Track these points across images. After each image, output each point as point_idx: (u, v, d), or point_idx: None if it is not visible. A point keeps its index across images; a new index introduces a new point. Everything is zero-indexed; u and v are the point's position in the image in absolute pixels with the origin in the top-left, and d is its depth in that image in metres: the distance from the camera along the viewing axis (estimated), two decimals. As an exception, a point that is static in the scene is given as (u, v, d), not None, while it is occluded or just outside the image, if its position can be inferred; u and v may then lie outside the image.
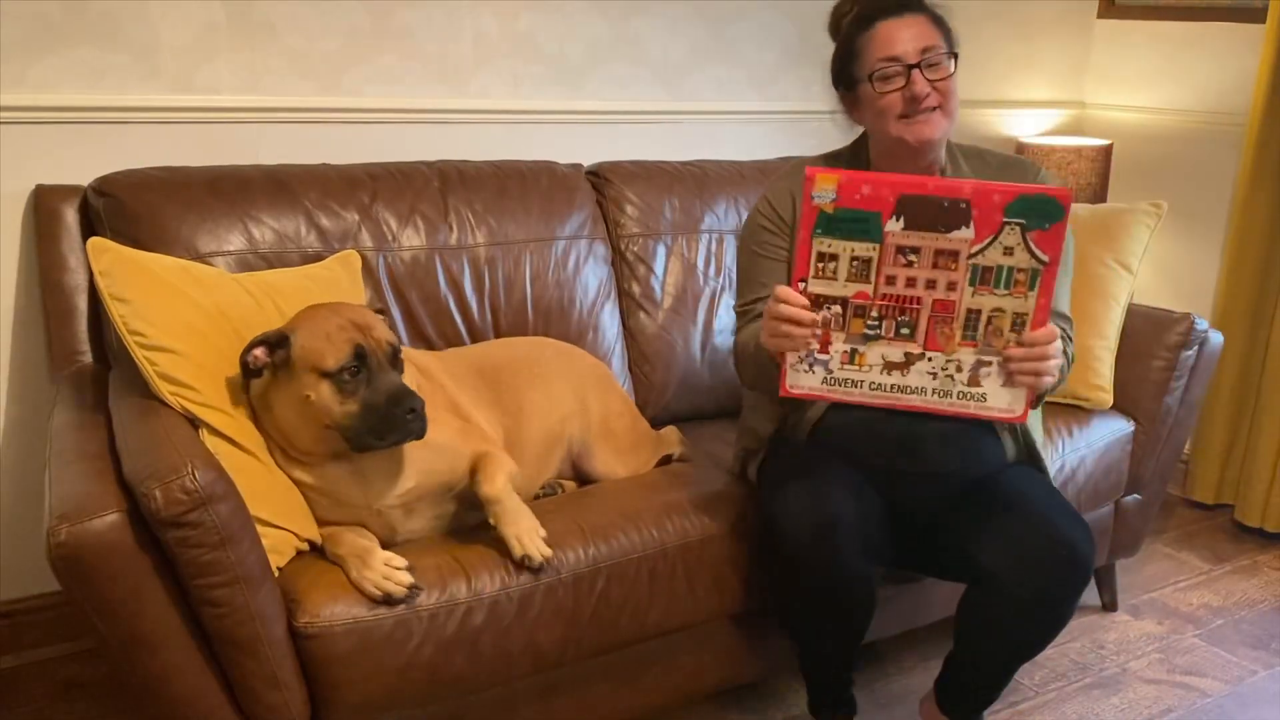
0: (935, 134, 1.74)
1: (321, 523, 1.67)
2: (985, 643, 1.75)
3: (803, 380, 1.58)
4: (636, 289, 2.38)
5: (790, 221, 1.84)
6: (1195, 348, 2.39)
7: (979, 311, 1.52)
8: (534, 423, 1.96)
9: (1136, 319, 2.45)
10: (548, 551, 1.66)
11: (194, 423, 1.58)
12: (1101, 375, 2.39)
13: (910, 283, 1.52)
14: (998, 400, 1.55)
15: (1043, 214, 1.46)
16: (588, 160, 2.47)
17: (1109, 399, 2.39)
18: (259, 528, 1.49)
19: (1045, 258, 1.48)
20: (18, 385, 2.09)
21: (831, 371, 1.57)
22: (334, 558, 1.62)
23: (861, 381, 1.57)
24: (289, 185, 2.04)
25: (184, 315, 1.64)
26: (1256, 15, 2.93)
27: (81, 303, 1.95)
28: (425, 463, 1.70)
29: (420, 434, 1.61)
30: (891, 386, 1.56)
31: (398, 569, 1.58)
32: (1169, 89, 3.21)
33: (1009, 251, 1.48)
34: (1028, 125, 3.37)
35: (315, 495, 1.66)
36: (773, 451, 1.87)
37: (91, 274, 1.64)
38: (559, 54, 2.52)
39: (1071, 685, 2.24)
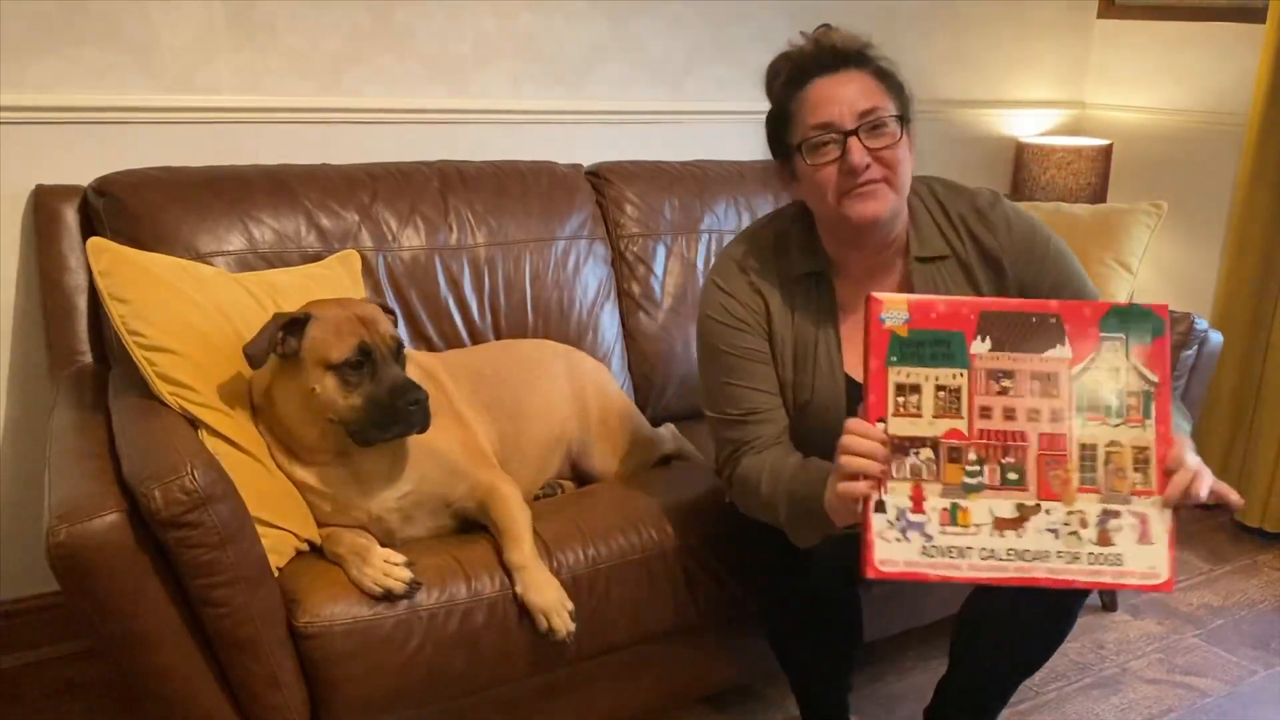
0: (882, 211, 1.49)
1: (320, 525, 1.67)
2: (985, 656, 1.71)
3: (896, 553, 1.30)
4: (636, 289, 2.38)
5: (763, 315, 1.60)
6: (1195, 347, 2.39)
7: (1094, 447, 1.30)
8: (534, 426, 1.96)
9: (1136, 319, 2.45)
10: (572, 626, 1.64)
11: (193, 423, 1.58)
12: (1101, 375, 2.39)
13: (1009, 414, 1.30)
14: (1136, 562, 1.30)
15: (1142, 328, 1.31)
16: (588, 160, 2.47)
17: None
18: (258, 528, 1.49)
19: (1154, 377, 1.30)
20: (18, 385, 2.09)
21: (930, 537, 1.30)
22: (333, 557, 1.62)
23: (969, 549, 1.30)
24: (289, 185, 2.05)
25: (183, 315, 1.64)
26: (1256, 15, 2.92)
27: (81, 303, 1.95)
28: (424, 468, 1.70)
29: (424, 425, 1.61)
30: (1007, 552, 1.30)
31: (397, 565, 1.58)
32: (1169, 89, 3.21)
33: (1115, 371, 1.30)
34: (1028, 125, 3.37)
35: (313, 497, 1.66)
36: None
37: (91, 274, 1.64)
38: (559, 54, 2.52)
39: (1071, 685, 2.24)
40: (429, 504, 1.72)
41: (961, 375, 1.30)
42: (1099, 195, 3.13)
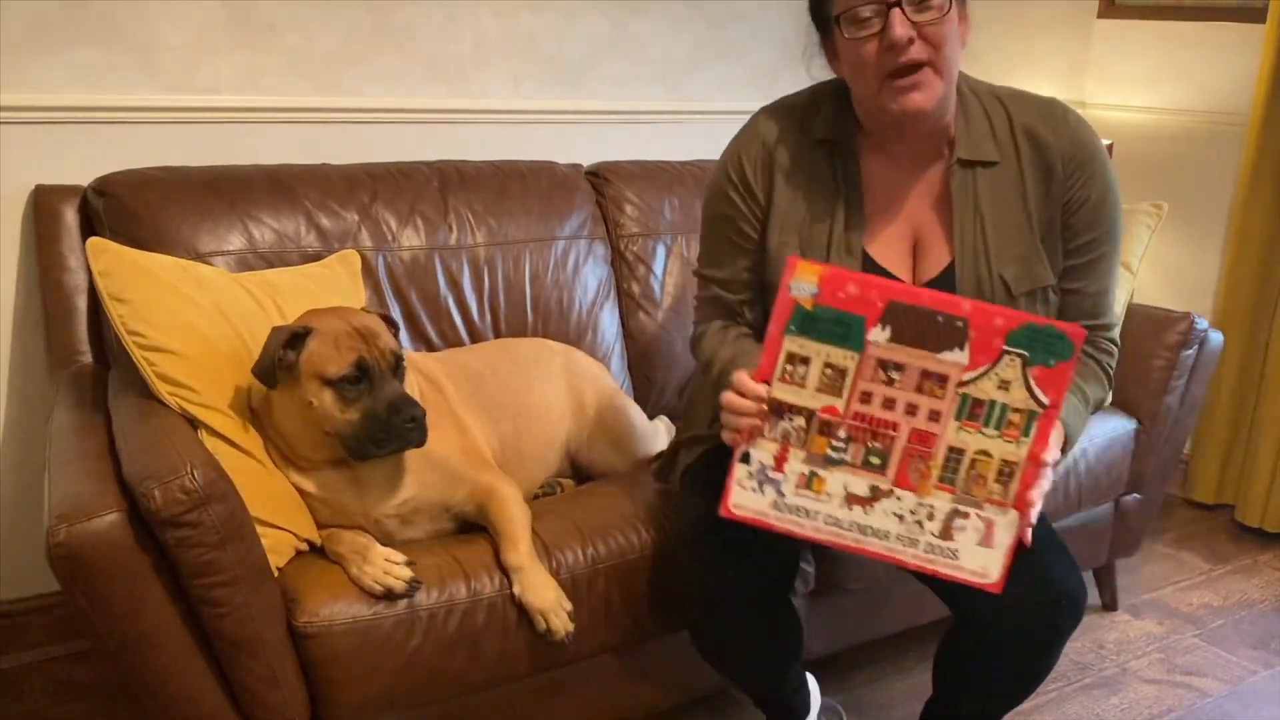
0: (927, 104, 1.38)
1: (320, 527, 1.67)
2: (965, 689, 1.68)
3: (749, 501, 1.37)
4: (636, 289, 2.38)
5: (764, 202, 1.55)
6: (1195, 347, 2.39)
7: (962, 451, 1.32)
8: (533, 425, 1.96)
9: (1136, 319, 2.45)
10: (571, 627, 1.64)
11: (193, 423, 1.58)
12: (1101, 375, 2.39)
13: (888, 404, 1.32)
14: (971, 560, 1.35)
15: (1048, 349, 1.27)
16: (588, 160, 2.47)
17: (1109, 397, 2.39)
18: (258, 528, 1.49)
19: (1045, 400, 1.29)
20: (18, 385, 2.09)
21: (784, 495, 1.36)
22: (333, 556, 1.62)
23: (817, 513, 1.36)
24: (289, 185, 2.05)
25: (183, 315, 1.64)
26: (1256, 15, 2.93)
27: (81, 303, 1.95)
28: (424, 475, 1.70)
29: (420, 442, 1.61)
30: (850, 524, 1.36)
31: (397, 564, 1.58)
32: (1169, 89, 3.21)
33: (1005, 386, 1.29)
34: (1028, 125, 3.37)
35: (312, 501, 1.66)
36: (696, 464, 1.70)
37: (91, 274, 1.64)
38: (559, 54, 2.52)
39: (1071, 685, 2.24)
40: (428, 510, 1.72)
41: (852, 358, 1.32)
42: (1099, 195, 3.13)
